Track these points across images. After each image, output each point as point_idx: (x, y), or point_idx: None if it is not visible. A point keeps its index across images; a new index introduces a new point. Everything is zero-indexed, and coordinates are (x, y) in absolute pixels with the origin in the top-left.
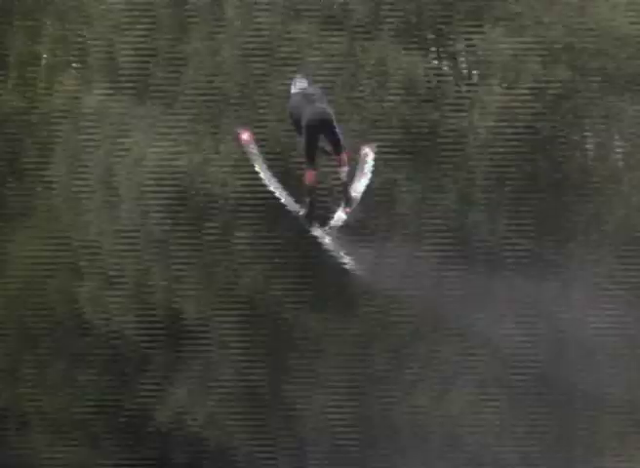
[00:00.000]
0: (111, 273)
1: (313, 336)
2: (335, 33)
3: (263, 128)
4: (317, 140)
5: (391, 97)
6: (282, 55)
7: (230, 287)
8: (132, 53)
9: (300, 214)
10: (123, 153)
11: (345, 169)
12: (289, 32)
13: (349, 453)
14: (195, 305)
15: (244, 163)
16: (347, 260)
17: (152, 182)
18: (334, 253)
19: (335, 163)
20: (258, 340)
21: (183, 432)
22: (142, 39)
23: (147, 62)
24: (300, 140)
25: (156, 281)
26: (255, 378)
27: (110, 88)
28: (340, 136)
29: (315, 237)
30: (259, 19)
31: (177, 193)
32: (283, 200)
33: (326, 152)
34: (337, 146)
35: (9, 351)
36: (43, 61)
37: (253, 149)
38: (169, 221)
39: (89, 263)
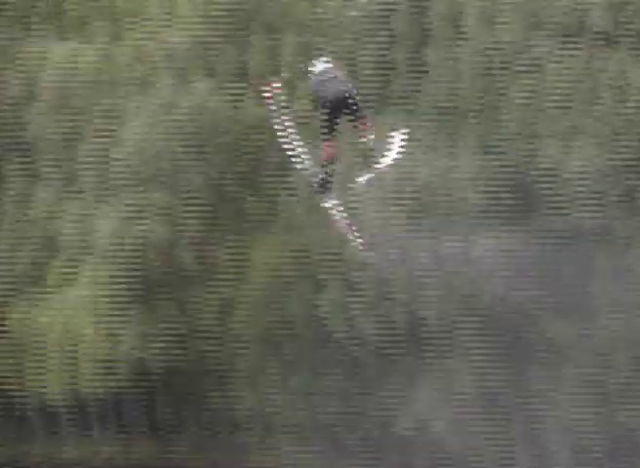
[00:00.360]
0: (353, 282)
1: (555, 345)
2: (573, 45)
3: (503, 141)
4: (338, 116)
5: (631, 111)
6: (521, 68)
7: (472, 294)
8: (370, 63)
9: (315, 183)
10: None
11: (367, 139)
12: (528, 45)
13: (593, 465)
14: (437, 312)
15: (484, 174)
16: (356, 239)
17: (393, 192)
18: (341, 229)
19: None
20: (499, 347)
21: (425, 438)
22: (381, 50)
23: (386, 73)
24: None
25: (397, 289)
26: (495, 385)
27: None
28: (361, 111)
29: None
30: (498, 31)
31: (417, 203)
32: (300, 164)
33: (354, 125)
34: (358, 119)
35: (252, 358)
36: (281, 74)
37: (274, 105)
38: (409, 230)
39: (330, 273)
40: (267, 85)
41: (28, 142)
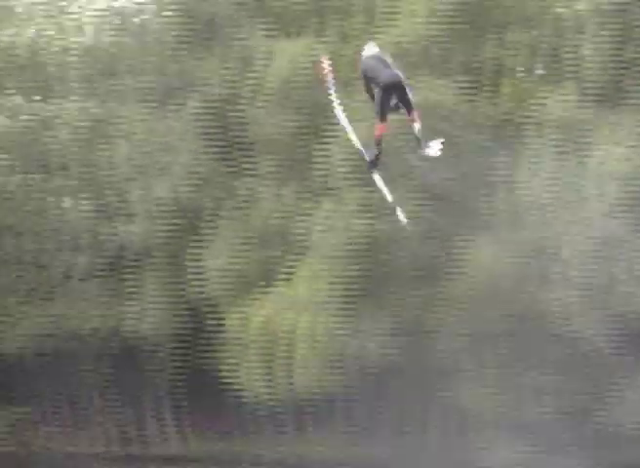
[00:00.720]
0: (579, 279)
1: None
2: None
3: None
4: (390, 99)
5: None
6: None
7: None
8: (597, 58)
9: (367, 159)
10: (589, 160)
11: (417, 125)
12: None
13: None
14: None
15: None
16: (399, 211)
17: (621, 190)
18: (388, 201)
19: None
20: None
21: None
22: (610, 44)
23: (615, 68)
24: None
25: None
26: None
27: (577, 94)
28: (411, 97)
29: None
30: None
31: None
32: (353, 139)
33: (397, 110)
34: (408, 105)
35: (476, 355)
36: (507, 69)
37: (329, 81)
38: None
39: (559, 271)
40: (322, 64)
41: (256, 140)
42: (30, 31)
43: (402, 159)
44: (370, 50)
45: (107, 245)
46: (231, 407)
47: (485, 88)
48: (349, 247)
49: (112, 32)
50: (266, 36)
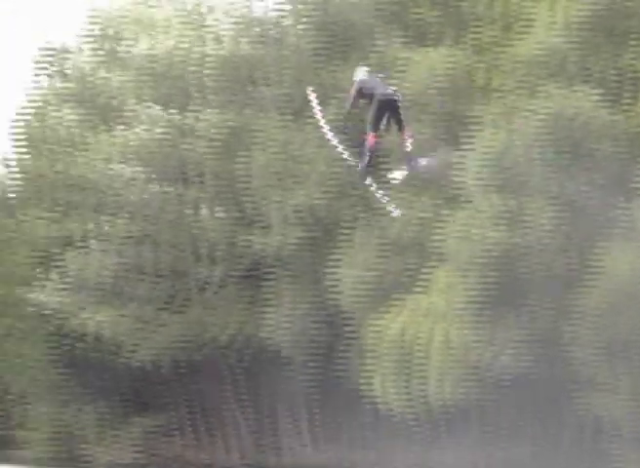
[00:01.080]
0: None
1: None
2: None
3: None
4: (384, 114)
5: None
6: None
7: None
8: None
9: (359, 168)
10: None
11: (408, 142)
12: None
13: None
14: None
15: None
16: (393, 209)
17: None
18: (382, 202)
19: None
20: None
21: None
22: None
23: None
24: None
25: None
26: None
27: None
28: (403, 116)
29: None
30: None
31: None
32: (344, 154)
33: (388, 129)
34: (400, 123)
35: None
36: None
37: (316, 109)
38: None
39: None
40: (309, 96)
41: (392, 149)
42: (168, 42)
43: (538, 171)
44: (361, 73)
45: (244, 254)
46: (367, 416)
47: (623, 96)
48: (485, 256)
49: (250, 42)
50: (403, 45)
